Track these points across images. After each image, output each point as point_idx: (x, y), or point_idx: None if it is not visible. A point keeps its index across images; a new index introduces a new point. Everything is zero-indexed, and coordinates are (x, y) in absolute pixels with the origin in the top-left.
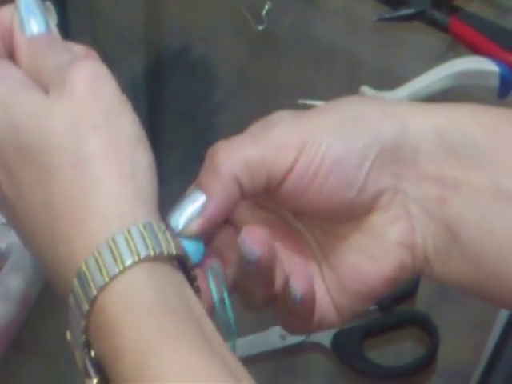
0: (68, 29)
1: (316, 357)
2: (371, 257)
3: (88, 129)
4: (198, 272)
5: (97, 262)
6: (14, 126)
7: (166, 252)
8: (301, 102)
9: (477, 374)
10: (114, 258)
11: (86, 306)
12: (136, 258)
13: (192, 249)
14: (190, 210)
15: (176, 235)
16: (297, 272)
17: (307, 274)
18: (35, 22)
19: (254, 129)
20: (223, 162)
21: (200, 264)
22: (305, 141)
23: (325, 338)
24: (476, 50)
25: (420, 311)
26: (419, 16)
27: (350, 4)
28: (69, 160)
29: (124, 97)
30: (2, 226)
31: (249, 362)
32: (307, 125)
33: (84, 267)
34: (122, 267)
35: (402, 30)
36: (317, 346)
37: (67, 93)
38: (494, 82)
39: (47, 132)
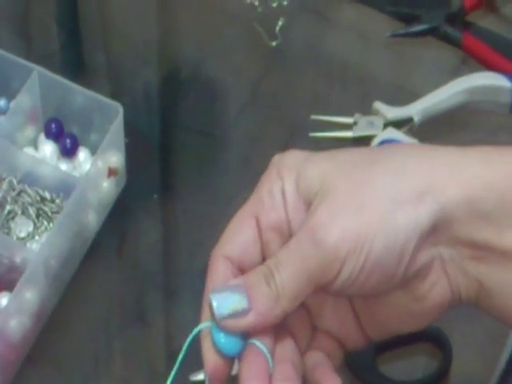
0: (81, 43)
1: None
2: (411, 315)
3: None
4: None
5: None
6: None
7: None
8: (314, 117)
9: None
10: None
11: None
12: None
13: (229, 340)
14: (229, 305)
15: (215, 323)
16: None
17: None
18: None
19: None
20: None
21: (238, 356)
22: (346, 253)
23: None
24: (489, 66)
25: (433, 326)
26: (432, 32)
27: (364, 20)
28: None
29: None
30: (18, 240)
31: None
32: (347, 233)
33: None
34: None
35: (415, 46)
36: None
37: None
38: (507, 98)
39: None
